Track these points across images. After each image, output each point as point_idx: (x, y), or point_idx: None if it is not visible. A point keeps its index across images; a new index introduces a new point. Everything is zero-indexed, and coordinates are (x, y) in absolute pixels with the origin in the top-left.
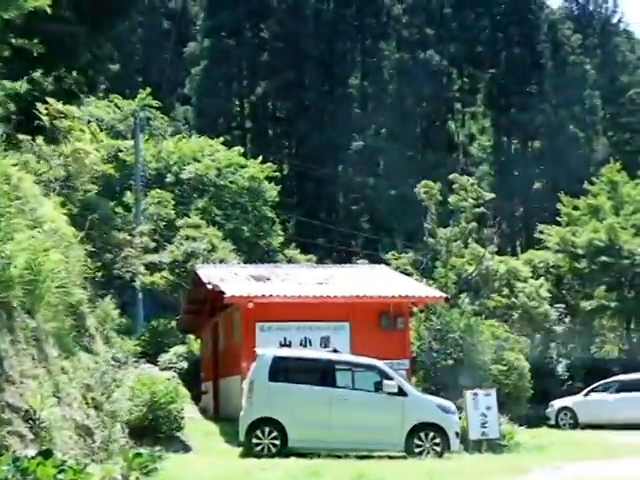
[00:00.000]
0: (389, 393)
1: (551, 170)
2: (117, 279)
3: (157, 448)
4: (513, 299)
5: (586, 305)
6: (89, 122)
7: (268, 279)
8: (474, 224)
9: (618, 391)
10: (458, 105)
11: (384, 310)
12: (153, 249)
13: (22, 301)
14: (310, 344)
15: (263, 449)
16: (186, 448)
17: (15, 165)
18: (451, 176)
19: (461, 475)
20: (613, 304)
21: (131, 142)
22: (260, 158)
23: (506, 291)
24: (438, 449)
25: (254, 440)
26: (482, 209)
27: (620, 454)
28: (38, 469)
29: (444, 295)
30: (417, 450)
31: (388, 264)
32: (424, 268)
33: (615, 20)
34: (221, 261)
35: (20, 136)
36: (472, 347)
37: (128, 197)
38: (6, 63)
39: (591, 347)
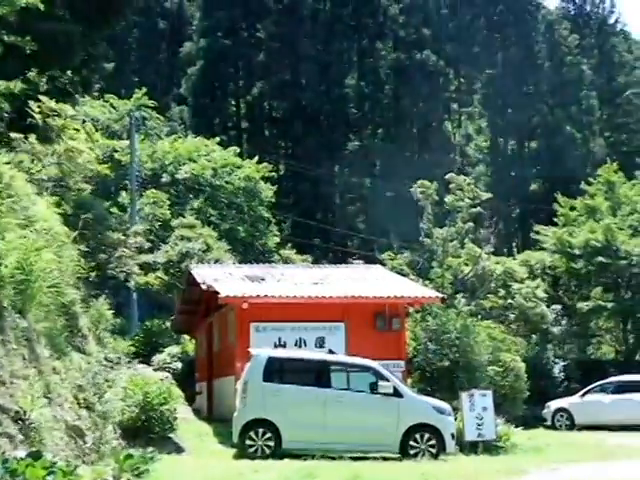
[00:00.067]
0: (384, 394)
1: (548, 171)
2: (111, 279)
3: (150, 449)
4: (509, 300)
5: (583, 306)
6: (84, 122)
7: (263, 279)
8: (470, 224)
9: (615, 392)
10: (455, 105)
11: (380, 310)
12: (148, 249)
13: (13, 301)
14: (305, 345)
15: (257, 450)
16: (179, 449)
17: (7, 164)
18: (448, 175)
19: (457, 477)
20: (610, 305)
21: (126, 142)
22: (256, 158)
23: (502, 292)
24: (434, 450)
25: (248, 441)
26: (478, 209)
27: (617, 456)
28: (27, 470)
29: (440, 295)
30: (412, 452)
31: (384, 264)
32: (420, 268)
33: (612, 20)
34: (216, 261)
35: (12, 134)
36: (468, 348)
37: (123, 197)
38: None
39: (588, 348)
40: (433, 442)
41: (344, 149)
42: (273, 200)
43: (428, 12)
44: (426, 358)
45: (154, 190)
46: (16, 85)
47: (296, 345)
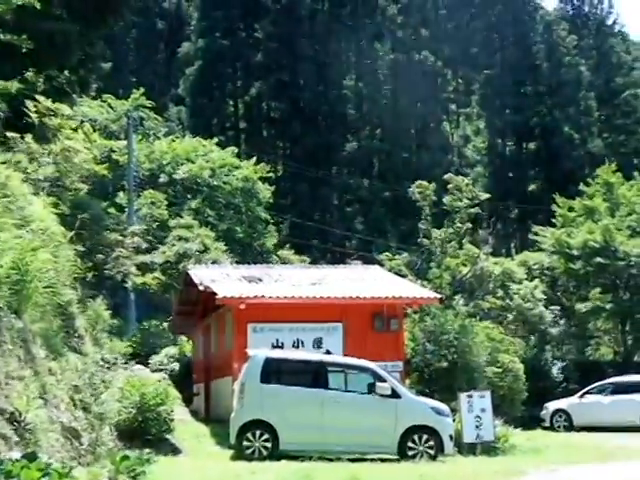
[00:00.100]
0: (382, 395)
1: (546, 171)
2: (108, 280)
3: (146, 451)
4: (508, 301)
5: (581, 307)
6: (82, 122)
7: (260, 280)
8: (469, 225)
9: (613, 393)
10: (453, 106)
11: (378, 311)
12: (146, 250)
13: (8, 301)
14: (303, 345)
15: (254, 452)
16: (176, 451)
17: (3, 163)
18: (446, 176)
19: (455, 478)
20: (608, 306)
21: (124, 142)
22: (254, 159)
23: (501, 293)
24: (432, 452)
25: (245, 443)
26: (477, 209)
27: (616, 457)
28: (22, 472)
29: (438, 296)
30: (410, 453)
31: (382, 265)
32: (418, 269)
33: (610, 21)
34: (213, 262)
35: (9, 134)
36: (466, 349)
37: (121, 198)
38: None
39: (586, 349)
40: (431, 443)
41: (342, 150)
42: (271, 201)
43: (426, 13)
44: (424, 359)
45: (152, 190)
46: (13, 85)
47: (294, 346)
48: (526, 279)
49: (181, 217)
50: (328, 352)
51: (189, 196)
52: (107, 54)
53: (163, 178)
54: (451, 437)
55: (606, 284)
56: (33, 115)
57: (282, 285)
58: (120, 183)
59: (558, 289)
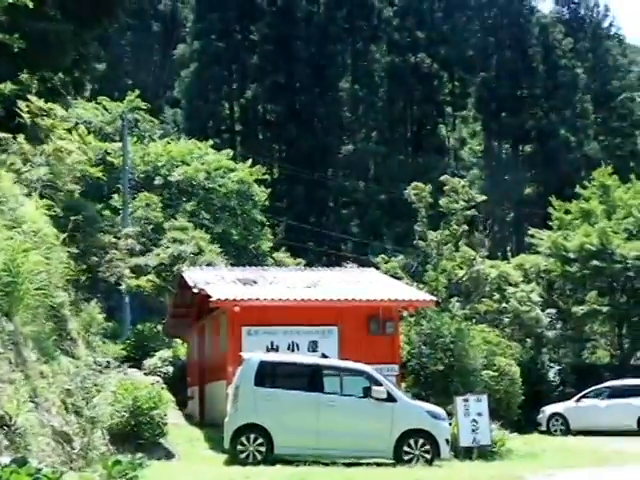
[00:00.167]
0: (378, 399)
1: (542, 174)
2: (103, 282)
3: (139, 455)
4: (504, 304)
5: (578, 310)
6: (77, 124)
7: (255, 282)
8: (465, 227)
9: (610, 397)
10: (449, 109)
11: (373, 314)
12: (140, 252)
13: None
14: (298, 348)
15: (248, 456)
16: (169, 455)
17: None
18: (442, 177)
19: None
20: (605, 309)
21: (119, 144)
22: (250, 161)
23: (497, 296)
24: (428, 456)
25: (239, 447)
26: (473, 211)
27: (613, 461)
28: (12, 477)
29: (434, 299)
30: (406, 457)
31: (378, 267)
32: (414, 271)
33: (606, 24)
34: (208, 264)
35: (1, 135)
36: (463, 352)
37: (116, 200)
38: None
39: (583, 352)
40: (427, 447)
41: (338, 152)
42: (267, 203)
43: (422, 15)
44: (420, 362)
45: (147, 193)
46: (7, 86)
47: (289, 349)
48: (522, 282)
49: (176, 219)
50: (324, 355)
51: (184, 198)
52: (102, 56)
53: (158, 180)
54: (447, 441)
55: (603, 287)
56: (25, 115)
57: (277, 288)
58: (115, 185)
59: (554, 292)
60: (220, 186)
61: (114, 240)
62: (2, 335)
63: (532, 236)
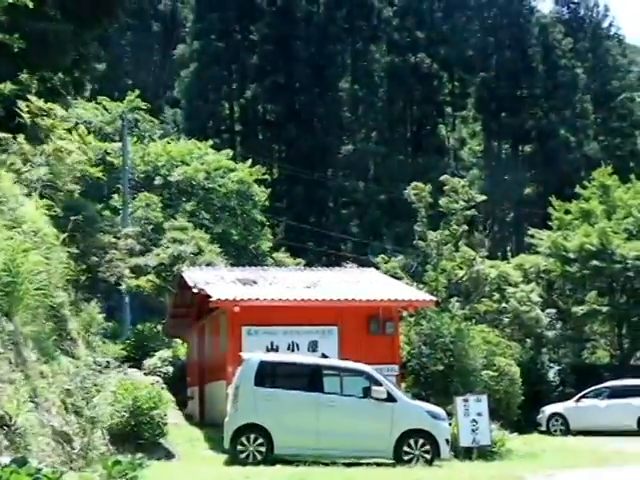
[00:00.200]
0: (378, 399)
1: (542, 174)
2: (103, 282)
3: (139, 455)
4: (504, 304)
5: (577, 310)
6: (77, 124)
7: (255, 282)
8: (465, 227)
9: (609, 397)
10: (448, 109)
11: (373, 314)
12: (140, 252)
13: None
14: (298, 348)
15: (248, 456)
16: (169, 455)
17: None
18: (442, 177)
19: None
20: (605, 309)
21: (119, 144)
22: (249, 161)
23: (497, 296)
24: (428, 456)
25: (239, 447)
26: (473, 211)
27: (613, 461)
28: (12, 477)
29: (434, 299)
30: (406, 457)
31: (378, 268)
32: (414, 272)
33: (606, 24)
34: (208, 264)
35: (0, 135)
36: (463, 352)
37: (116, 200)
38: None
39: (582, 352)
40: (427, 448)
41: (338, 152)
42: (266, 203)
43: (422, 15)
44: (420, 362)
45: (147, 193)
46: (6, 86)
47: (289, 349)
48: (522, 282)
49: (176, 219)
50: (324, 355)
51: (184, 198)
52: (102, 56)
53: (158, 180)
54: (447, 441)
55: (602, 287)
56: (25, 115)
57: (277, 288)
58: (115, 185)
59: (554, 292)
60: (220, 186)
61: (114, 240)
62: (2, 335)
63: (532, 236)
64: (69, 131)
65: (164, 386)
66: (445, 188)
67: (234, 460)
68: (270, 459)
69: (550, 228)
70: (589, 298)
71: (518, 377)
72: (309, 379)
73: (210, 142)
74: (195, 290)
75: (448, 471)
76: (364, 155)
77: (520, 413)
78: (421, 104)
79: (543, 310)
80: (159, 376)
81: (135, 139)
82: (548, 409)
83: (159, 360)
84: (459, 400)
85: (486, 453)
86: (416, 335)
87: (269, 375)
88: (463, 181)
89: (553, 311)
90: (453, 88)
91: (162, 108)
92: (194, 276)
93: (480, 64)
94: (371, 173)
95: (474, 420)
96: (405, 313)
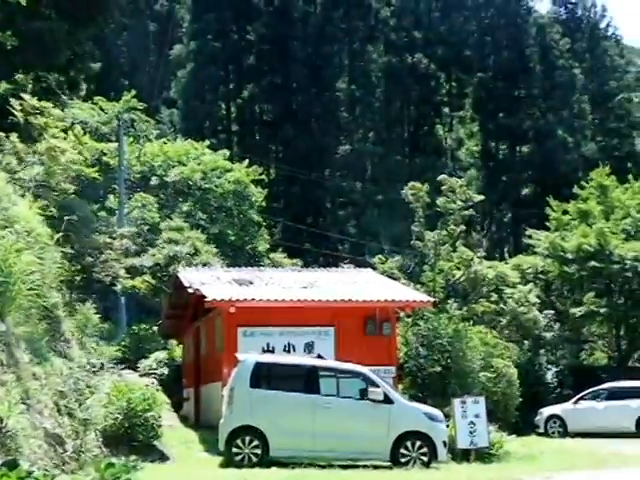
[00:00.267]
0: (375, 400)
1: (539, 175)
2: (98, 283)
3: (133, 457)
4: (502, 305)
5: (575, 311)
6: (72, 124)
7: (251, 283)
8: (462, 227)
9: (607, 399)
10: (446, 109)
11: (370, 315)
12: (135, 252)
13: None
14: (294, 350)
15: (244, 458)
16: (163, 457)
17: None
18: (440, 177)
19: None
20: (603, 310)
21: (115, 145)
22: (246, 162)
23: (494, 296)
24: (425, 459)
25: (234, 449)
26: (471, 211)
27: (611, 463)
28: None
29: (431, 300)
30: (403, 460)
31: (375, 268)
32: (411, 272)
33: (603, 25)
34: (204, 265)
35: None
36: (460, 353)
37: (112, 201)
38: None
39: (580, 354)
40: (425, 450)
41: (335, 153)
42: (263, 204)
43: (419, 15)
44: (417, 364)
45: (143, 193)
46: (1, 85)
47: (285, 350)
48: (520, 283)
49: (172, 220)
50: (320, 357)
51: (180, 199)
52: (98, 56)
53: (154, 181)
54: (444, 443)
55: (600, 288)
56: (19, 114)
57: (273, 288)
58: (111, 186)
59: (552, 293)
60: (216, 186)
61: (109, 240)
62: None
63: (530, 237)
64: (65, 131)
65: (159, 388)
66: (443, 188)
67: (229, 462)
68: (265, 461)
69: (548, 229)
70: (587, 299)
71: (516, 379)
72: (305, 381)
73: (207, 142)
74: (191, 290)
75: (445, 473)
76: (361, 155)
77: (518, 415)
78: (418, 104)
79: (541, 311)
80: (155, 378)
81: (131, 139)
82: (546, 411)
83: (155, 362)
84: (457, 402)
85: (484, 455)
86: (413, 336)
87: (265, 376)
88: (461, 181)
89: (551, 312)
90: (450, 88)
91: (159, 108)
92: (190, 276)
93: (477, 64)
94: (368, 173)
95: (472, 422)
96: (402, 314)
